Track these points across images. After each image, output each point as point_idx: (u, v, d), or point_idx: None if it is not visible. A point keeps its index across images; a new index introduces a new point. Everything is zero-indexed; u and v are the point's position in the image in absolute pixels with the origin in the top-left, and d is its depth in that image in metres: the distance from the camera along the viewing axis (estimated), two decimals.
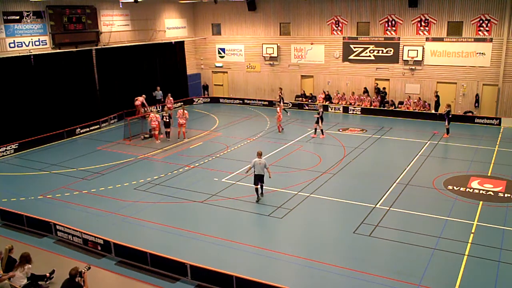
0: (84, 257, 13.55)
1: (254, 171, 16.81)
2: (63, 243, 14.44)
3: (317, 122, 25.59)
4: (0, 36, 24.75)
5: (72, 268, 10.67)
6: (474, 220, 15.17)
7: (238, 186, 18.69)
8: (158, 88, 32.65)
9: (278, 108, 27.34)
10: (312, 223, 15.57)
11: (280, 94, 32.81)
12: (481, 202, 16.59)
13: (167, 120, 25.69)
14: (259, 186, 17.06)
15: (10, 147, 24.05)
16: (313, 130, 26.02)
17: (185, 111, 25.42)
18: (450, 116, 25.40)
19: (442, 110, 29.12)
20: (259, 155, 17.02)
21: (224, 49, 37.43)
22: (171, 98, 31.14)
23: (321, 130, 25.70)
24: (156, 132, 25.56)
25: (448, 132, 25.37)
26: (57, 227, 14.66)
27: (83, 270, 10.79)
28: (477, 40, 28.56)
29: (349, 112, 31.75)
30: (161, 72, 34.33)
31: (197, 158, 22.45)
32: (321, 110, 25.83)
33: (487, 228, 14.73)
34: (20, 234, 15.10)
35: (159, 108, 31.53)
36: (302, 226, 15.36)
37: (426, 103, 30.18)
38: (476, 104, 29.29)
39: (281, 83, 35.35)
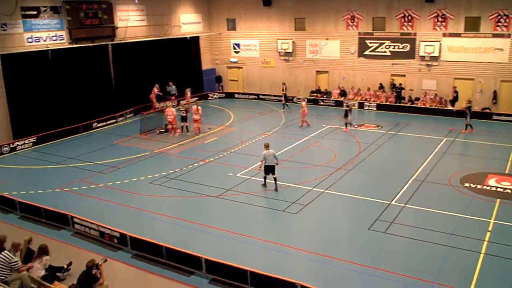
0: (100, 249, 13.73)
1: (265, 163, 17.47)
2: (80, 236, 14.64)
3: (346, 116, 25.96)
4: (18, 31, 25.05)
5: (89, 261, 10.84)
6: (491, 218, 15.01)
7: (252, 181, 18.74)
8: (171, 83, 32.59)
9: (303, 103, 27.41)
10: (327, 219, 15.56)
11: (283, 89, 32.58)
12: (498, 200, 16.39)
13: (184, 115, 25.94)
14: (272, 180, 17.60)
15: (29, 140, 24.42)
16: (344, 125, 26.32)
17: (199, 107, 25.52)
18: (471, 111, 25.18)
19: (459, 106, 28.84)
20: (267, 147, 17.70)
21: (239, 44, 37.43)
22: (189, 94, 31.25)
23: (346, 124, 26.11)
24: (173, 126, 25.76)
25: (467, 128, 25.05)
26: (74, 219, 14.87)
27: (99, 263, 10.95)
28: (495, 35, 28.13)
29: (365, 108, 31.56)
30: (176, 67, 34.45)
31: (212, 153, 22.55)
32: (350, 103, 26.86)
33: (504, 226, 14.56)
34: (38, 226, 15.35)
35: (175, 102, 31.64)
36: (316, 221, 15.36)
37: (442, 99, 29.88)
38: (494, 101, 28.91)
39: (296, 78, 35.27)
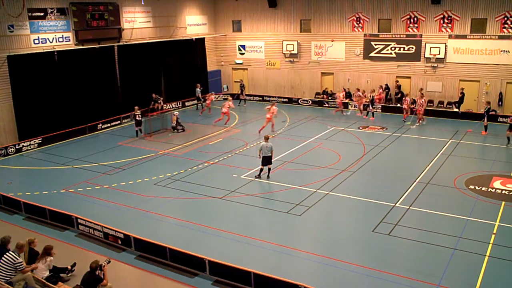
0: (104, 250, 13.77)
1: (262, 153, 18.74)
2: (84, 237, 14.69)
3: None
4: (25, 33, 25.19)
5: (92, 261, 10.88)
6: (496, 221, 14.94)
7: (257, 183, 18.75)
8: (198, 85, 32.85)
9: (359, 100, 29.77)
10: (331, 221, 15.54)
11: (241, 86, 34.70)
12: (503, 202, 16.31)
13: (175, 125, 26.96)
14: (265, 168, 19.03)
15: (34, 141, 24.55)
16: (365, 112, 29.64)
17: (230, 102, 27.49)
18: (490, 113, 25.24)
19: (465, 108, 28.82)
20: (266, 139, 19.03)
21: (244, 46, 37.46)
22: (212, 97, 31.36)
23: (372, 113, 29.15)
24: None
25: (486, 129, 25.08)
26: (79, 220, 14.92)
27: (103, 264, 10.99)
28: (501, 37, 28.01)
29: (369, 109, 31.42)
30: (182, 69, 34.50)
31: (216, 154, 22.57)
32: (370, 94, 29.82)
33: (509, 229, 14.49)
34: (43, 227, 15.42)
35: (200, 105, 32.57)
36: (320, 223, 15.34)
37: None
38: (500, 103, 28.75)
39: (301, 80, 35.27)
